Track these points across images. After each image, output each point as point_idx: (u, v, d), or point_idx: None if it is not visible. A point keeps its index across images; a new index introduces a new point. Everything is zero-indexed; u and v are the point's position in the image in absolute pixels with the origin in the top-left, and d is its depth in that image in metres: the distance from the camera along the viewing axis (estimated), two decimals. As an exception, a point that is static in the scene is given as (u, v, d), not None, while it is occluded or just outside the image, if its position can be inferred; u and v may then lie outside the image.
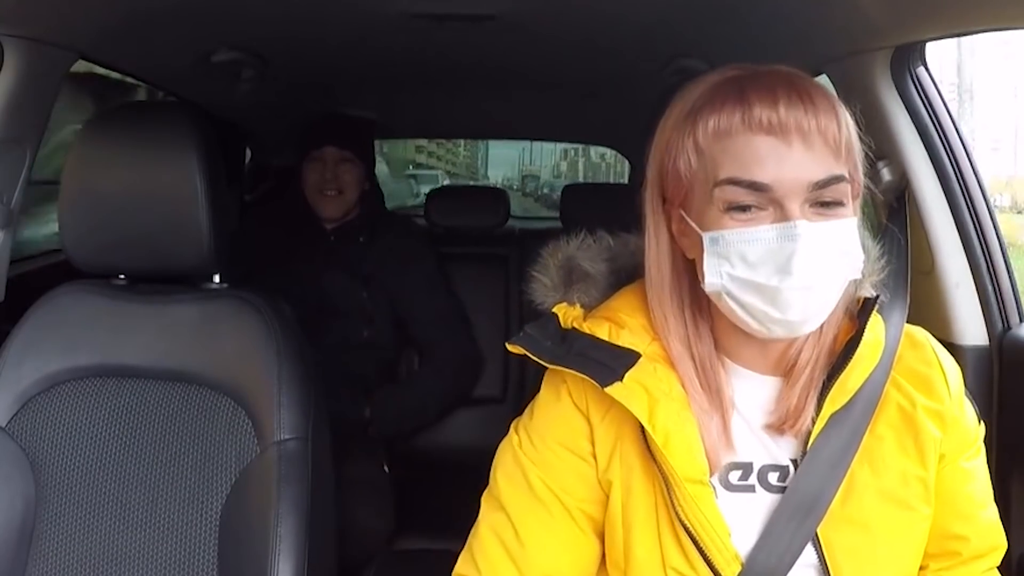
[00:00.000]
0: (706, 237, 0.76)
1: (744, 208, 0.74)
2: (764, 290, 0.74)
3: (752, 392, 0.82)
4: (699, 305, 0.83)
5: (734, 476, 0.81)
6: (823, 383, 0.80)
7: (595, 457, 0.82)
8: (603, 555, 0.85)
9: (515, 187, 11.14)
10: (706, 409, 0.80)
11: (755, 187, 0.73)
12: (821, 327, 0.80)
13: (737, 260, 0.74)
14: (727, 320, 0.81)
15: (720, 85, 0.77)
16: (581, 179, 11.11)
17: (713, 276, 0.76)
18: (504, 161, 12.01)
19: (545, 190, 10.58)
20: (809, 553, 0.79)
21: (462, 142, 11.79)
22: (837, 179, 0.74)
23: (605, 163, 8.17)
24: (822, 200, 0.74)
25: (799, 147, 0.73)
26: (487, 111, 2.65)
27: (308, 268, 1.96)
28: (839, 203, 0.75)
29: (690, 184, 0.78)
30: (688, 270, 0.83)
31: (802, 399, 0.80)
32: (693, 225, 0.78)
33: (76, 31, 1.29)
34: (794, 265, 0.72)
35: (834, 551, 0.79)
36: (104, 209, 1.13)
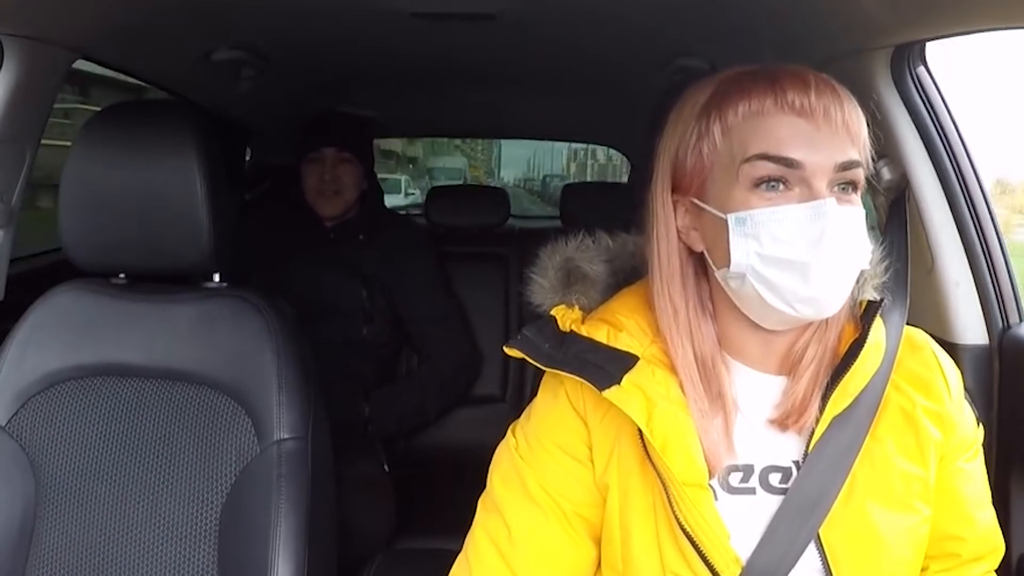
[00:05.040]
0: (731, 218, 0.76)
1: (773, 186, 0.75)
2: (795, 265, 0.74)
3: (755, 390, 0.82)
4: (702, 302, 0.83)
5: (735, 478, 0.81)
6: (827, 384, 0.81)
7: (592, 461, 0.82)
8: (600, 559, 0.85)
9: (522, 186, 15.94)
10: (707, 411, 0.79)
11: (787, 163, 0.75)
12: (826, 322, 0.81)
13: (767, 239, 0.75)
14: (732, 316, 0.81)
15: (746, 74, 0.79)
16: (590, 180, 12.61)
17: (740, 256, 0.76)
18: (516, 163, 16.99)
19: (540, 188, 15.10)
20: (811, 555, 0.79)
21: (480, 147, 16.39)
22: (856, 164, 0.77)
23: (612, 164, 8.23)
24: (843, 182, 0.76)
25: (826, 131, 0.75)
26: (487, 110, 2.65)
27: (307, 266, 1.96)
28: (855, 189, 0.77)
29: (711, 167, 0.79)
30: (694, 266, 0.83)
31: (808, 394, 0.80)
32: (711, 210, 0.78)
33: (76, 31, 1.29)
34: (826, 240, 0.74)
35: (836, 553, 0.79)
36: (104, 208, 1.13)
